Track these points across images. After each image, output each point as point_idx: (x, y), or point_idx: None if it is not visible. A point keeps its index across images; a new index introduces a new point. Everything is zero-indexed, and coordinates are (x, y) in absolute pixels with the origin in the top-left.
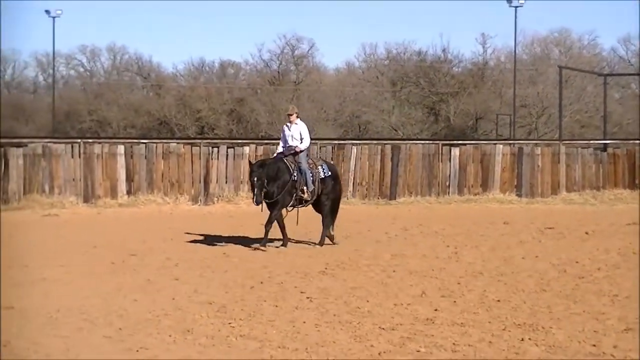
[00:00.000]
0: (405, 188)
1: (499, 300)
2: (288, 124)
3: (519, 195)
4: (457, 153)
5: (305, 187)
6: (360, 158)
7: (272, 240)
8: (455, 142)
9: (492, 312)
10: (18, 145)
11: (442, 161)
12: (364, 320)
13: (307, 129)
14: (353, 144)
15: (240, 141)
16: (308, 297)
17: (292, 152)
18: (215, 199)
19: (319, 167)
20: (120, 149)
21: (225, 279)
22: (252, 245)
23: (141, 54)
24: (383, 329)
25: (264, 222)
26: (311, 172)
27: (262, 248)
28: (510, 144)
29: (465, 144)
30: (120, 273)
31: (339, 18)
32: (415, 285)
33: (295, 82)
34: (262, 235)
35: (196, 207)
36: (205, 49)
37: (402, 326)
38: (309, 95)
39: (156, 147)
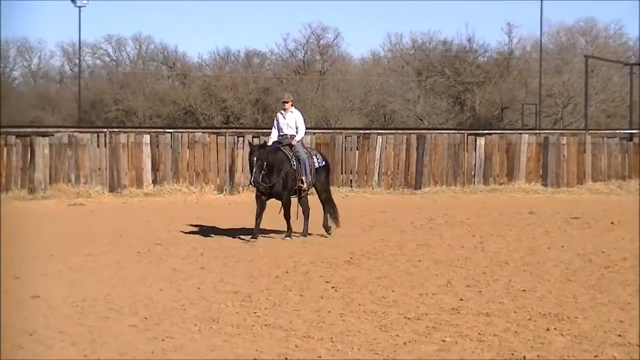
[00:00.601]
0: (431, 178)
1: (524, 290)
2: (282, 111)
3: (545, 185)
4: (483, 143)
5: (303, 177)
6: (386, 148)
7: (279, 231)
8: (480, 131)
9: (518, 302)
10: (44, 135)
11: (467, 151)
12: (389, 310)
13: (302, 118)
14: (378, 134)
15: (265, 131)
16: (333, 287)
17: (289, 141)
18: (241, 188)
19: (314, 157)
20: (146, 138)
21: (250, 268)
22: (281, 237)
23: (167, 44)
24: (408, 318)
25: (282, 213)
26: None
27: (288, 238)
28: (535, 133)
29: (490, 134)
30: (145, 262)
31: (364, 7)
32: (440, 275)
33: (320, 71)
34: (284, 228)
35: (221, 196)
36: (230, 39)
37: (428, 316)
38: (334, 84)
39: (182, 136)
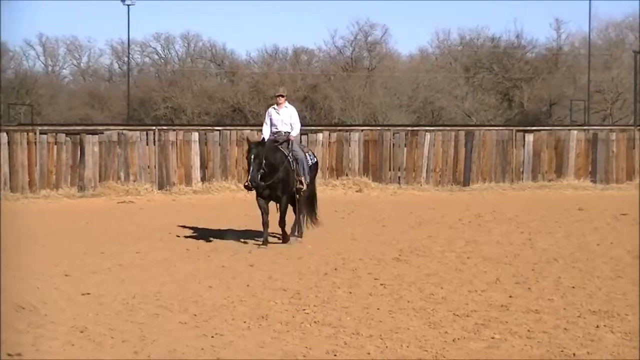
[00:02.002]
0: (479, 174)
1: (573, 287)
2: (276, 107)
3: (594, 182)
4: (531, 139)
5: (302, 178)
6: (434, 144)
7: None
8: (529, 128)
9: (567, 299)
10: (94, 133)
11: (516, 147)
12: (438, 307)
13: (297, 113)
14: (426, 131)
15: (313, 128)
16: (382, 284)
17: (285, 139)
18: None
19: (307, 154)
20: (195, 136)
21: (299, 265)
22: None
23: (215, 41)
24: (457, 315)
25: (278, 221)
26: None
27: (291, 241)
28: (584, 129)
29: (539, 130)
30: (195, 259)
31: (412, 4)
32: (489, 272)
33: (368, 68)
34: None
35: None
36: (278, 36)
37: (477, 313)
38: (382, 81)
39: (230, 133)
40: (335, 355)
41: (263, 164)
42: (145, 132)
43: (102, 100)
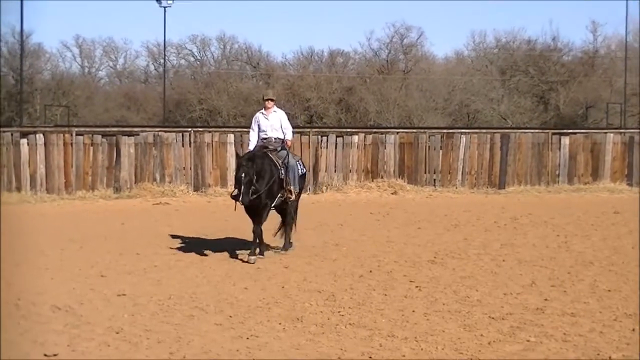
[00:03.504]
0: (515, 177)
1: (609, 290)
2: (264, 111)
3: (630, 185)
4: (567, 142)
5: (292, 187)
6: (470, 147)
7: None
8: (565, 131)
9: (603, 302)
10: (130, 134)
11: (551, 150)
12: (474, 310)
13: (287, 117)
14: (462, 133)
15: (349, 130)
16: (417, 286)
17: (277, 145)
18: (324, 187)
19: (297, 163)
20: (230, 137)
21: (334, 267)
22: (240, 256)
23: (251, 43)
24: (493, 318)
25: (252, 228)
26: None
27: (252, 259)
28: (621, 132)
29: (575, 133)
30: (230, 261)
31: (448, 6)
32: (524, 275)
33: (404, 71)
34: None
35: (305, 195)
36: (314, 38)
37: (512, 315)
38: (418, 84)
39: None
40: (370, 357)
41: (253, 181)
42: (180, 134)
43: (138, 102)
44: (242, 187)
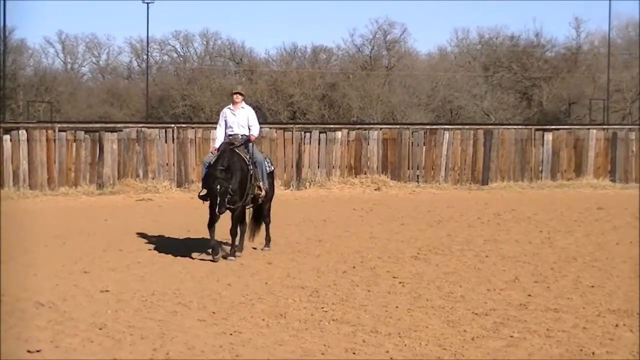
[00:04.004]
0: (498, 173)
1: (593, 286)
2: (231, 107)
3: (613, 181)
4: (550, 138)
5: (261, 184)
6: (453, 143)
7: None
8: (548, 127)
9: (586, 298)
10: (113, 130)
11: (535, 146)
12: (457, 305)
13: (254, 114)
14: (445, 129)
15: (332, 126)
16: (401, 282)
17: (243, 141)
18: (308, 183)
19: (265, 160)
20: (214, 133)
21: (317, 263)
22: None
23: (234, 40)
24: (476, 314)
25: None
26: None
27: (231, 258)
28: (604, 129)
29: (558, 129)
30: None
31: (431, 3)
32: (508, 271)
33: (387, 67)
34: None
35: (288, 191)
36: (297, 34)
37: (495, 311)
38: (401, 80)
39: (260, 132)
40: (354, 354)
41: (229, 190)
42: (164, 130)
43: (121, 98)
44: (218, 198)
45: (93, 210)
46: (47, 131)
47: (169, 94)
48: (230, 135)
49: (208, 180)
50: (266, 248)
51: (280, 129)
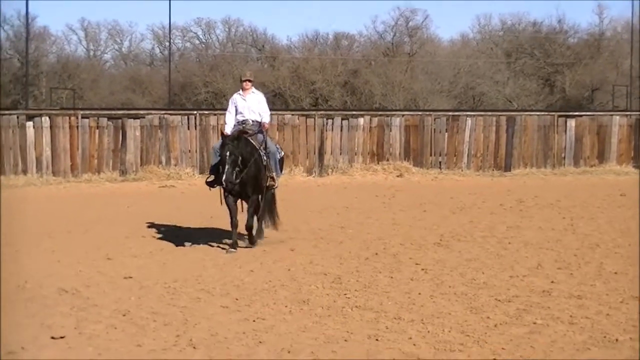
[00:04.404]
0: (520, 160)
1: (616, 273)
2: (241, 92)
3: (636, 167)
4: (573, 124)
5: (274, 174)
6: (475, 130)
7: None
8: (571, 113)
9: (610, 285)
10: (135, 117)
11: (557, 133)
12: (480, 292)
13: (265, 100)
14: (468, 116)
15: (354, 113)
16: (423, 269)
17: (254, 128)
18: (330, 170)
19: (276, 147)
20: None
21: (340, 250)
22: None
23: (256, 26)
24: (499, 300)
25: (229, 220)
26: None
27: (231, 250)
28: (627, 115)
29: (581, 116)
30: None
31: None
32: (531, 257)
33: (409, 53)
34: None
35: (311, 178)
36: (319, 21)
37: (518, 298)
38: (423, 66)
39: (271, 118)
40: (376, 340)
41: (238, 161)
42: (186, 117)
43: (144, 85)
44: (227, 166)
45: (116, 197)
46: (70, 118)
47: (191, 81)
48: (241, 122)
49: (220, 167)
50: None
51: (303, 115)
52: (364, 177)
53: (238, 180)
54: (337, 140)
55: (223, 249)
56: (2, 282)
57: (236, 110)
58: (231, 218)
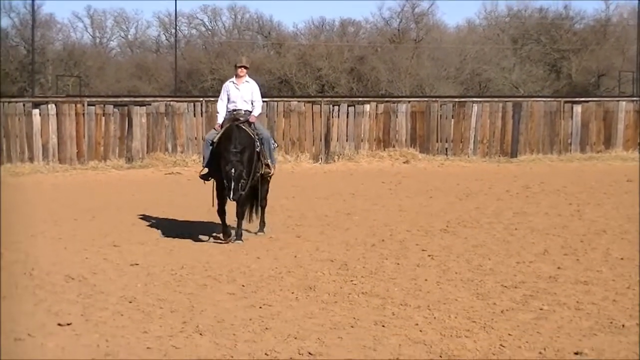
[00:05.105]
0: (527, 146)
1: (622, 258)
2: (234, 80)
3: None
4: (579, 110)
5: (269, 161)
6: (482, 116)
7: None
8: (577, 99)
9: (616, 270)
10: (141, 104)
11: (564, 118)
12: (486, 278)
13: (258, 89)
14: (474, 102)
15: (360, 99)
16: (430, 255)
17: (246, 118)
18: (336, 157)
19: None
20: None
21: (346, 236)
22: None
23: (262, 13)
24: (505, 286)
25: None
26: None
27: (239, 241)
28: (633, 100)
29: (587, 101)
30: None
31: None
32: (537, 243)
33: (415, 40)
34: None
35: (317, 165)
36: (325, 8)
37: (525, 284)
38: (429, 53)
39: (277, 105)
40: (383, 326)
41: (243, 173)
42: (192, 104)
43: (150, 72)
44: (232, 183)
45: (122, 184)
46: (76, 105)
47: (197, 68)
48: (233, 110)
49: (215, 160)
50: (260, 233)
51: (309, 102)
52: (370, 163)
53: (245, 190)
54: (343, 127)
55: (221, 241)
56: (8, 270)
57: (228, 99)
58: (219, 207)
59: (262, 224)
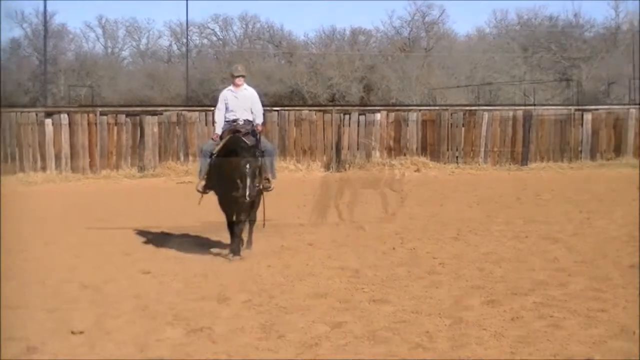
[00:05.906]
0: (537, 154)
1: (632, 266)
2: (232, 89)
3: None
4: (590, 118)
5: (270, 175)
6: (492, 124)
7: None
8: (587, 107)
9: (626, 278)
10: (153, 114)
11: (574, 126)
12: (497, 286)
13: (258, 97)
14: (484, 110)
15: (371, 108)
16: (440, 263)
17: (248, 128)
18: (347, 165)
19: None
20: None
21: (357, 244)
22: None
23: (273, 23)
24: (516, 294)
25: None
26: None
27: (237, 257)
28: None
29: (597, 109)
30: (254, 239)
31: None
32: (547, 251)
33: (425, 48)
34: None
35: (328, 173)
36: (336, 17)
37: (535, 291)
38: (440, 62)
39: (288, 114)
40: (394, 334)
41: (256, 173)
42: (204, 113)
43: (161, 82)
44: (248, 179)
45: (134, 193)
46: (88, 115)
47: (208, 77)
48: (232, 120)
49: (216, 173)
50: (247, 250)
51: (320, 111)
52: (382, 172)
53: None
54: (354, 136)
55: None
56: (22, 279)
57: (227, 108)
58: (228, 220)
59: (249, 240)
